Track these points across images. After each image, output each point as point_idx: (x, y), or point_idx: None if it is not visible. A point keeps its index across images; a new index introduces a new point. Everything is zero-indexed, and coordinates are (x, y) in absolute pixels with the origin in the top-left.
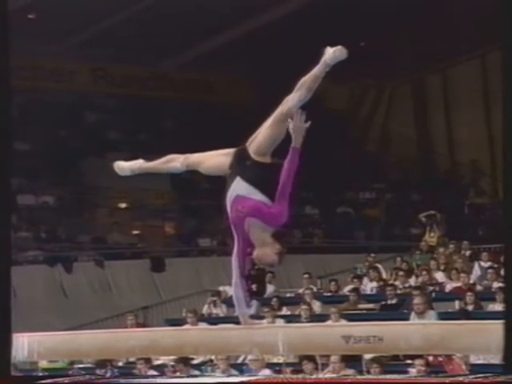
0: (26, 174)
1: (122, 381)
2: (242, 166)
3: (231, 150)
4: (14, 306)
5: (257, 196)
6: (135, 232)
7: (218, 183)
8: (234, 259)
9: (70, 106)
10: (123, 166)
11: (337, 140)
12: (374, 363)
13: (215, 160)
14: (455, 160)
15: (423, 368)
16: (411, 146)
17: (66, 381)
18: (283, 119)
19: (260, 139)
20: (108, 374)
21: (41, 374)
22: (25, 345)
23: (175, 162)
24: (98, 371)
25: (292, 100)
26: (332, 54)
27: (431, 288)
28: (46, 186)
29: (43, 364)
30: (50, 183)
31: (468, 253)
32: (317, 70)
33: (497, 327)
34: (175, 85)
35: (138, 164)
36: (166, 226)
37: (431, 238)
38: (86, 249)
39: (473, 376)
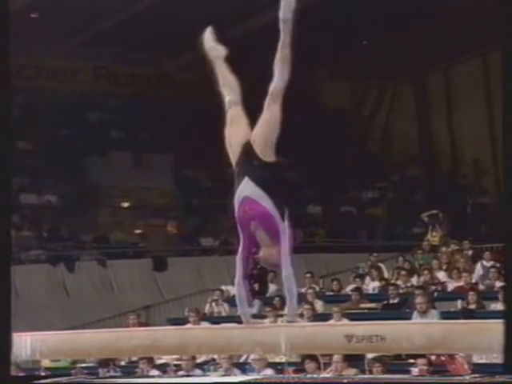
0: (28, 173)
1: (120, 381)
2: (250, 165)
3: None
4: (17, 305)
5: (266, 202)
6: (137, 231)
7: (220, 182)
8: (239, 258)
9: (73, 105)
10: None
11: (339, 139)
12: (376, 362)
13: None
14: (457, 159)
15: (426, 367)
16: (413, 145)
17: (65, 381)
18: (274, 100)
19: (260, 131)
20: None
21: (42, 373)
22: (27, 344)
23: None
24: (100, 370)
25: (275, 79)
26: (281, 7)
27: (433, 287)
28: (49, 185)
29: (46, 363)
30: (52, 182)
31: (470, 252)
32: (280, 37)
33: (499, 327)
34: (177, 84)
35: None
36: (168, 225)
37: (433, 237)
38: (89, 248)
39: (472, 376)
